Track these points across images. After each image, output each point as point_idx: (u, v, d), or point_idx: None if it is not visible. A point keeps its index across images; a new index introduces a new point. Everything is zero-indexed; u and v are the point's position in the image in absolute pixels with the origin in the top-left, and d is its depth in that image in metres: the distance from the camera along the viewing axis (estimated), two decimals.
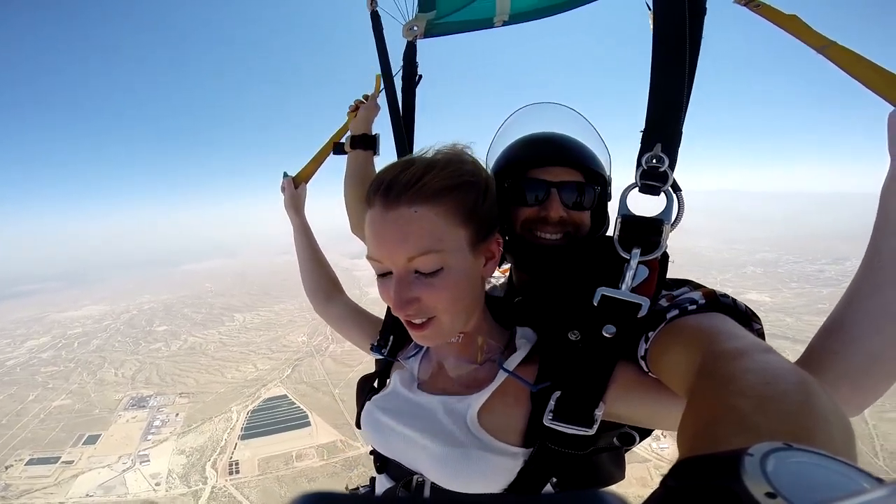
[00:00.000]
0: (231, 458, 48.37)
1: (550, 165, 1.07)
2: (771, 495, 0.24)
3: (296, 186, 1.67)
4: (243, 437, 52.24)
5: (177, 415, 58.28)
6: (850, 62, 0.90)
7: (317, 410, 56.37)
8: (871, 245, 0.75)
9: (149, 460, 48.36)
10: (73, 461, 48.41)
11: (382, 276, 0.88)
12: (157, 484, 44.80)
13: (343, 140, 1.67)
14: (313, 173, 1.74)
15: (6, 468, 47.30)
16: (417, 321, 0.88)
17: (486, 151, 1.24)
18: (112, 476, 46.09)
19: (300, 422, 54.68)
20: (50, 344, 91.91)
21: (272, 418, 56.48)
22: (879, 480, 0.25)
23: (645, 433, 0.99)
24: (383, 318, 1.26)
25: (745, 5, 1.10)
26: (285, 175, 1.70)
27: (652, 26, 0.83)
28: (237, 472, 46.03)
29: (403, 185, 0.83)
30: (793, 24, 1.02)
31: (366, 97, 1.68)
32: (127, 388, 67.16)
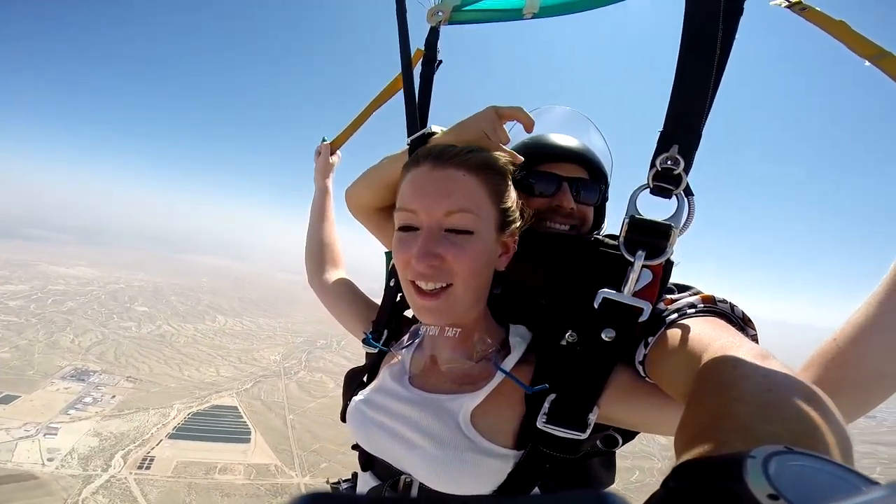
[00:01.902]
0: (149, 453, 41.05)
1: (561, 161, 1.08)
2: (773, 497, 0.24)
3: (331, 153, 1.61)
4: (172, 437, 45.41)
5: (113, 397, 51.55)
6: None
7: (262, 430, 50.12)
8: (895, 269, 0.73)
9: (56, 434, 41.06)
10: None
11: (405, 230, 0.85)
12: (50, 459, 37.31)
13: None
14: (347, 140, 1.67)
15: None
16: (431, 287, 0.82)
17: None
18: (3, 440, 38.56)
19: (240, 436, 48.19)
20: (25, 293, 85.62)
21: (212, 425, 49.82)
22: (876, 483, 0.25)
23: (628, 436, 0.96)
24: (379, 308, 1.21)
25: (789, 8, 1.00)
26: (324, 140, 1.65)
27: (682, 22, 0.77)
28: (148, 468, 38.78)
29: (455, 153, 0.84)
30: (841, 31, 0.93)
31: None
32: (76, 358, 60.27)
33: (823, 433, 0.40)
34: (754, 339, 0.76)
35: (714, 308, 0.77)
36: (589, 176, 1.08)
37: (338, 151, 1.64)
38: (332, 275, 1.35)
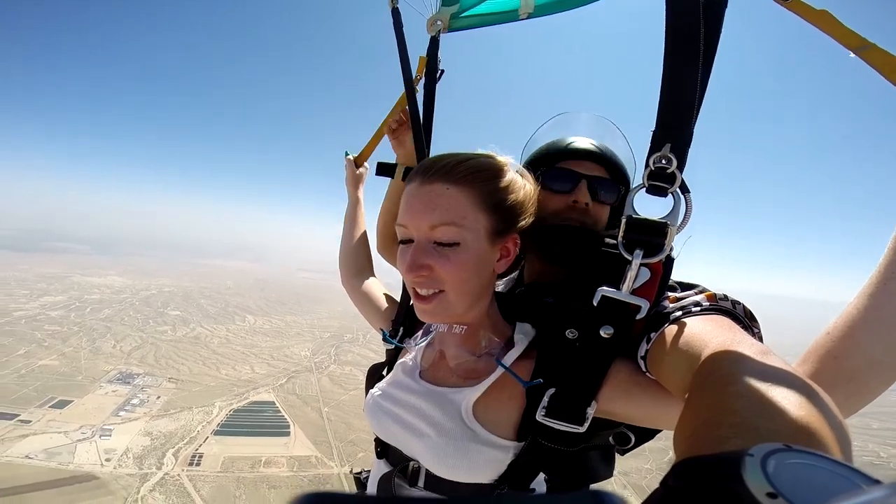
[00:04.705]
0: (197, 450, 41.72)
1: (581, 160, 1.07)
2: (772, 495, 0.23)
3: (357, 167, 1.67)
4: (217, 433, 46.12)
5: (158, 397, 52.58)
6: (893, 67, 0.78)
7: (300, 423, 50.57)
8: (887, 257, 0.71)
9: (110, 435, 42.02)
10: (30, 421, 42.12)
11: (405, 243, 0.88)
12: (108, 459, 38.14)
13: (392, 162, 1.51)
14: (371, 153, 1.73)
15: None
16: (424, 292, 0.86)
17: (521, 149, 1.25)
18: (63, 443, 39.57)
19: (280, 430, 48.74)
20: (63, 304, 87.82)
21: (253, 421, 50.56)
22: (876, 481, 0.24)
23: (643, 437, 0.94)
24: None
25: None
26: (347, 154, 1.73)
27: (665, 18, 0.73)
28: (198, 464, 39.39)
29: (441, 167, 0.85)
30: (825, 21, 0.88)
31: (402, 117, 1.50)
32: (119, 362, 61.60)
33: (822, 430, 0.39)
34: (758, 336, 0.75)
35: (718, 306, 0.76)
36: (609, 176, 1.06)
37: (364, 164, 1.67)
38: (362, 278, 1.43)
